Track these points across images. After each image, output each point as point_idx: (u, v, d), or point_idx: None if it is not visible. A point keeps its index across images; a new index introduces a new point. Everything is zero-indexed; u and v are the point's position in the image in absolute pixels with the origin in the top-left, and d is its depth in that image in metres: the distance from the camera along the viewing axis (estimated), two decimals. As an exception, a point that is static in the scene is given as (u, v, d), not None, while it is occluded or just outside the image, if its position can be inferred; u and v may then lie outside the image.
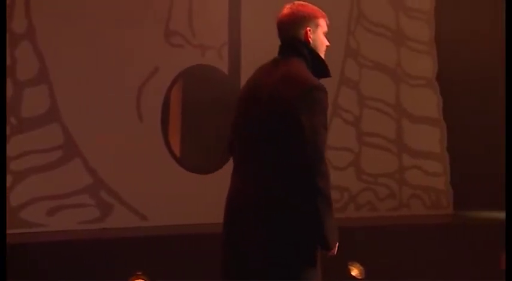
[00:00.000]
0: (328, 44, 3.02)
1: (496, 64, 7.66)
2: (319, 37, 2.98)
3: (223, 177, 6.34)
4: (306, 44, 2.93)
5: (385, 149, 7.36)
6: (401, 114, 7.49)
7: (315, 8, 3.01)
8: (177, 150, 6.36)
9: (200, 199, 6.16)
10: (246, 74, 6.55)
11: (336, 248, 2.83)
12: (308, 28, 2.94)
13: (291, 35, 2.94)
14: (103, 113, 5.90)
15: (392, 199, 7.35)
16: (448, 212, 7.55)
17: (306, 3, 3.02)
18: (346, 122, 7.13)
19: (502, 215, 7.17)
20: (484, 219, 7.17)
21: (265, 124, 2.82)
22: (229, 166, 6.30)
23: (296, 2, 3.02)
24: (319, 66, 2.94)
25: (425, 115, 7.61)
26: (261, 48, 6.39)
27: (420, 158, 7.52)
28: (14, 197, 5.51)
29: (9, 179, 5.43)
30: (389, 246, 6.00)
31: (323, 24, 2.99)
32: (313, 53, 2.94)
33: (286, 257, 2.76)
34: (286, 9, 2.99)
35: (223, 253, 2.96)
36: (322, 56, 2.99)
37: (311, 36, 2.94)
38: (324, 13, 3.01)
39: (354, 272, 5.83)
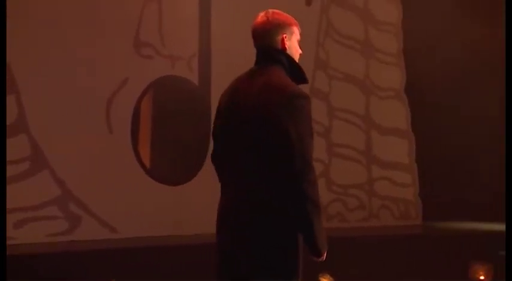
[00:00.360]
0: (301, 51, 3.05)
1: (463, 76, 7.77)
2: (294, 44, 3.00)
3: (193, 188, 6.37)
4: (282, 51, 2.95)
5: (355, 160, 7.42)
6: (370, 126, 7.56)
7: (289, 15, 3.03)
8: (147, 161, 6.32)
9: (170, 211, 6.12)
10: (216, 85, 6.61)
11: (325, 254, 2.85)
12: (284, 35, 2.96)
13: (267, 42, 2.95)
14: (72, 124, 5.84)
15: (362, 210, 7.40)
16: (417, 223, 7.61)
17: (279, 11, 3.03)
18: (317, 134, 7.03)
19: (469, 225, 7.28)
20: (452, 230, 7.24)
21: (248, 132, 2.82)
22: (199, 178, 6.36)
23: (270, 10, 3.02)
24: (297, 73, 2.95)
25: (394, 126, 7.70)
26: (231, 59, 6.42)
27: (389, 169, 7.59)
28: (-20, 210, 5.43)
29: (-25, 191, 5.35)
30: (360, 257, 6.01)
31: (297, 32, 3.02)
32: (290, 59, 2.95)
33: (271, 261, 2.77)
34: (261, 17, 2.99)
35: (215, 257, 2.96)
36: None
37: (287, 43, 2.96)
38: (296, 21, 3.03)
39: (325, 283, 5.83)
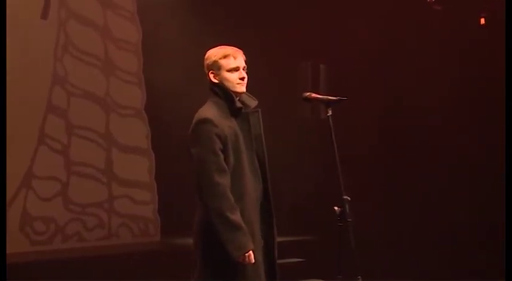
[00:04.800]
0: (241, 76, 3.31)
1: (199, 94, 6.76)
2: (225, 76, 3.31)
3: None
4: (216, 84, 3.34)
5: (94, 179, 7.29)
6: (110, 144, 7.47)
7: (218, 50, 3.34)
8: None
9: None
10: None
11: (250, 256, 3.20)
12: (211, 72, 3.34)
13: (208, 79, 3.37)
14: None
15: (101, 229, 7.29)
16: (156, 240, 7.62)
17: (212, 49, 3.36)
18: (54, 151, 6.99)
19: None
20: (189, 245, 7.43)
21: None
22: None
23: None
24: (231, 101, 3.31)
25: (134, 145, 7.63)
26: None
27: (129, 187, 7.54)
28: None
29: None
30: (102, 277, 6.00)
31: (225, 63, 3.30)
32: (224, 90, 3.31)
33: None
34: None
35: None
36: (238, 89, 3.33)
37: (216, 77, 3.33)
38: (227, 51, 3.32)
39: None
